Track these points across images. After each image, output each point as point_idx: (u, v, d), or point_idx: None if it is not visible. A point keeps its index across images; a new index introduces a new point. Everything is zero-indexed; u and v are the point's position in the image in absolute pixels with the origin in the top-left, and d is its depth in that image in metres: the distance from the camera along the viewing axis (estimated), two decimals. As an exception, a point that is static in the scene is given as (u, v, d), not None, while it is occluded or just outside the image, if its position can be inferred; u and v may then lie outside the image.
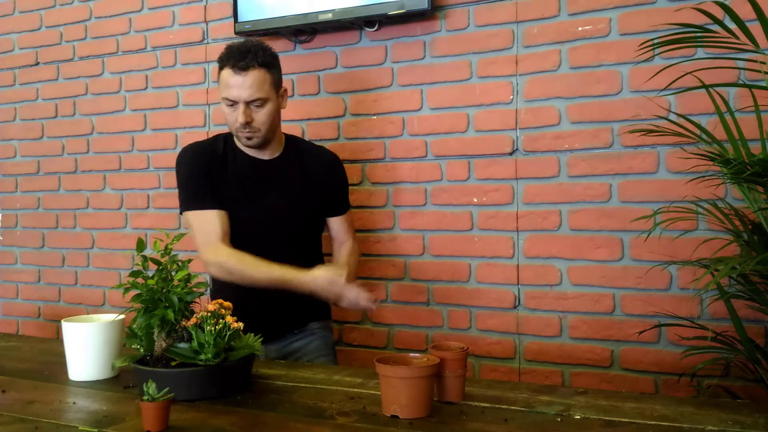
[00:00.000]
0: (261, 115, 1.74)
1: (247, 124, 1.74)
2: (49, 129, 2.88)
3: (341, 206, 1.94)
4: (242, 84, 1.71)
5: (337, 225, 1.93)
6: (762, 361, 1.55)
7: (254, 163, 1.83)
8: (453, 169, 2.13)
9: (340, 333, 2.29)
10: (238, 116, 1.73)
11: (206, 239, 1.74)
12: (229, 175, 1.81)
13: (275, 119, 1.79)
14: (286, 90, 1.83)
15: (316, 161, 1.89)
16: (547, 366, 2.02)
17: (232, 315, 1.32)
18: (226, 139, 1.87)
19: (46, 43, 2.87)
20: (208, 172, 1.80)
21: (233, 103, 1.74)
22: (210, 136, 2.52)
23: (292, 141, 1.92)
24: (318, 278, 1.68)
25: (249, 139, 1.78)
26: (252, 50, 1.72)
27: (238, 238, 1.76)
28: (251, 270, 1.69)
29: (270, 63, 1.75)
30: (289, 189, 1.83)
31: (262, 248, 1.73)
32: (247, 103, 1.73)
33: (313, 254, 1.91)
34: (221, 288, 1.77)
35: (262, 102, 1.73)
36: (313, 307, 1.87)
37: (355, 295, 1.68)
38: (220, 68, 1.75)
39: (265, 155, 1.84)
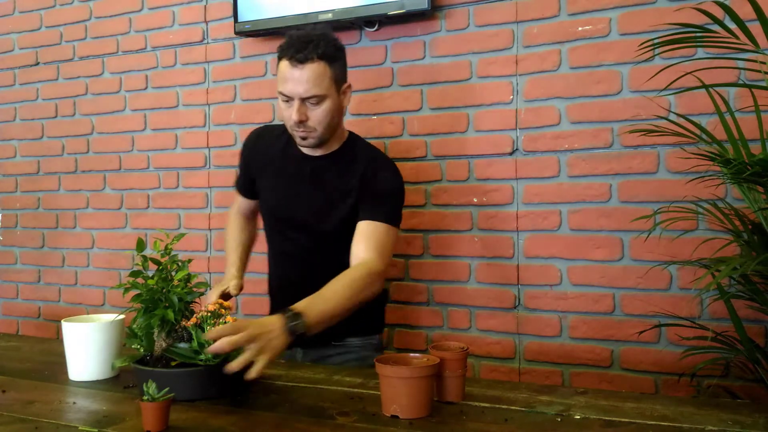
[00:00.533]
0: (317, 114, 1.59)
1: (302, 122, 1.59)
2: (49, 129, 2.88)
3: (373, 207, 1.63)
4: (299, 78, 1.55)
5: (361, 229, 1.62)
6: (762, 361, 1.55)
7: (300, 157, 1.72)
8: (453, 169, 2.13)
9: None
10: (292, 113, 1.58)
11: (231, 208, 1.97)
12: (275, 165, 1.75)
13: (334, 118, 1.62)
14: (350, 86, 1.67)
15: (363, 163, 1.68)
16: (547, 366, 2.02)
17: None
18: None
19: (46, 43, 2.87)
20: (249, 161, 1.83)
21: (288, 99, 1.58)
22: (210, 136, 2.55)
23: (352, 141, 1.75)
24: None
25: (304, 139, 1.63)
26: (314, 41, 1.55)
27: (277, 232, 1.79)
28: (226, 231, 1.89)
29: (332, 56, 1.58)
30: (330, 187, 1.69)
31: (296, 243, 1.73)
32: (303, 100, 1.57)
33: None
34: (272, 288, 1.83)
35: (319, 99, 1.57)
36: (352, 320, 1.54)
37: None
38: (279, 58, 1.59)
39: (318, 151, 1.70)
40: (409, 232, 2.19)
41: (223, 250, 1.92)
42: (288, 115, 1.60)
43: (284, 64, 1.57)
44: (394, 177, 1.70)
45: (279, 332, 1.28)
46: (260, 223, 1.91)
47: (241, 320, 1.28)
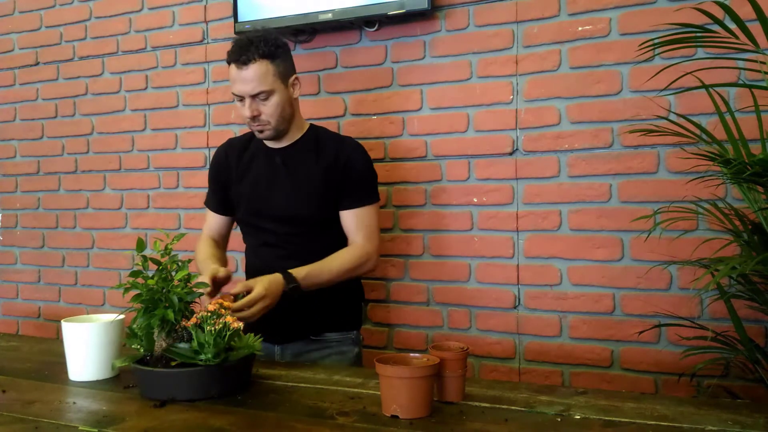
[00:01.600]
0: (268, 108, 1.72)
1: (255, 117, 1.72)
2: (49, 129, 2.88)
3: (351, 198, 1.78)
4: (245, 78, 1.69)
5: (346, 221, 1.79)
6: (762, 361, 1.55)
7: (268, 151, 1.83)
8: (453, 169, 2.13)
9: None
10: (245, 110, 1.72)
11: (200, 236, 1.95)
12: (242, 168, 1.85)
13: (284, 110, 1.74)
14: (297, 78, 1.78)
15: (332, 148, 1.80)
16: (547, 366, 2.02)
17: None
18: None
19: (46, 43, 2.87)
20: (219, 173, 1.91)
21: (241, 98, 1.72)
22: (210, 136, 2.55)
23: (313, 130, 1.85)
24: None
25: (260, 132, 1.76)
26: (254, 42, 1.69)
27: (255, 227, 1.84)
28: (196, 253, 1.86)
29: (272, 53, 1.70)
30: (298, 176, 1.79)
31: (277, 237, 1.79)
32: (253, 97, 1.70)
33: (335, 248, 1.77)
34: (249, 277, 1.81)
35: (267, 95, 1.70)
36: (328, 316, 1.81)
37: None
38: (228, 63, 1.73)
39: (280, 143, 1.82)
40: (408, 232, 2.20)
41: (227, 251, 1.95)
42: (243, 112, 1.74)
43: (232, 67, 1.72)
44: (362, 157, 1.82)
45: (278, 295, 1.59)
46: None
47: (258, 286, 1.54)
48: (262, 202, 1.81)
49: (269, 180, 1.81)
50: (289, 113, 1.77)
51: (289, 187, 1.78)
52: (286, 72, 1.74)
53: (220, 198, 1.91)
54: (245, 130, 2.46)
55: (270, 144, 1.83)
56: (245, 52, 1.68)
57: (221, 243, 1.95)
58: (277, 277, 1.62)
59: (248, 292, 1.55)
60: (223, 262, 1.87)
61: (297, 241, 1.78)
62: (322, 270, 1.70)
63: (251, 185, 1.83)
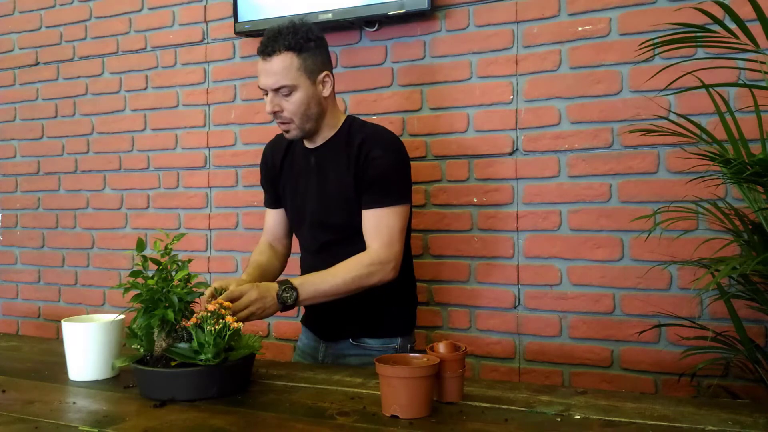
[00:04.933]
0: (290, 104, 1.60)
1: (276, 113, 1.62)
2: (49, 129, 2.88)
3: (369, 197, 1.62)
4: (267, 70, 1.59)
5: (364, 222, 1.63)
6: (762, 361, 1.55)
7: (305, 152, 1.73)
8: (453, 169, 2.13)
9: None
10: (266, 105, 1.62)
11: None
12: (285, 167, 1.78)
13: (309, 108, 1.62)
14: (328, 75, 1.64)
15: (358, 140, 1.65)
16: (547, 366, 2.02)
17: None
18: None
19: (46, 43, 2.87)
20: (267, 171, 1.84)
21: (266, 92, 1.62)
22: (210, 136, 2.55)
23: (348, 124, 1.71)
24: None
25: (286, 131, 1.66)
26: (282, 33, 1.59)
27: (298, 228, 1.79)
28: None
29: (300, 46, 1.58)
30: (329, 179, 1.68)
31: (315, 243, 1.72)
32: (275, 91, 1.60)
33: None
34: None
35: (290, 90, 1.59)
36: (367, 321, 1.70)
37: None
38: (257, 53, 1.65)
39: (314, 143, 1.71)
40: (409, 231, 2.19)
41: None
42: (266, 108, 1.64)
43: (259, 59, 1.63)
44: (386, 154, 1.64)
45: (272, 301, 1.50)
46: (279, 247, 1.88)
47: (245, 285, 1.49)
48: (299, 206, 1.74)
49: (304, 183, 1.73)
50: (315, 112, 1.64)
51: (320, 191, 1.69)
52: (315, 67, 1.62)
53: (271, 195, 1.85)
54: (246, 130, 2.46)
55: (306, 143, 1.73)
56: (272, 42, 1.58)
57: (277, 245, 1.85)
58: (273, 284, 1.53)
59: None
60: (269, 268, 1.77)
61: (334, 249, 1.67)
62: (324, 278, 1.57)
63: (291, 188, 1.76)
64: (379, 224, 1.61)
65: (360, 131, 1.67)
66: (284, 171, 1.78)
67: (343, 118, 1.71)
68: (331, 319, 1.72)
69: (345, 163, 1.65)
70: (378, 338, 1.71)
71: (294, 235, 1.86)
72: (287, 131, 1.65)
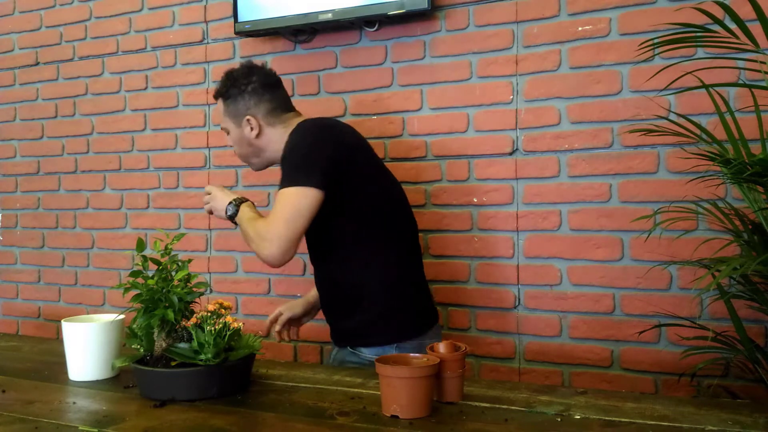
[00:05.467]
0: (230, 142, 1.84)
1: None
2: (49, 129, 2.88)
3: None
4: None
5: None
6: (762, 361, 1.55)
7: None
8: (453, 169, 2.13)
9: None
10: None
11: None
12: None
13: (241, 148, 1.81)
14: (250, 119, 1.75)
15: None
16: (547, 366, 2.02)
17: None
18: None
19: (46, 43, 2.87)
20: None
21: None
22: (210, 136, 2.55)
23: None
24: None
25: (247, 165, 1.89)
26: (223, 79, 1.79)
27: None
28: None
29: (225, 93, 1.78)
30: None
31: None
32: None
33: (343, 244, 1.67)
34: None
35: (225, 131, 1.82)
36: (358, 331, 1.70)
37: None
38: None
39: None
40: (409, 232, 2.19)
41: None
42: None
43: None
44: (290, 139, 1.64)
45: (221, 202, 1.70)
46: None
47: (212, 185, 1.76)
48: None
49: None
50: (248, 151, 1.81)
51: None
52: (238, 112, 1.77)
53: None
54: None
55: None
56: (217, 86, 1.82)
57: None
58: (231, 194, 1.71)
59: None
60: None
61: (315, 264, 1.80)
62: (251, 220, 1.62)
63: None
64: (274, 204, 1.58)
65: None
66: None
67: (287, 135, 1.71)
68: (332, 325, 1.80)
69: None
70: (372, 347, 1.65)
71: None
72: (246, 164, 1.89)
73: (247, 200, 1.70)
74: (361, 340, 1.69)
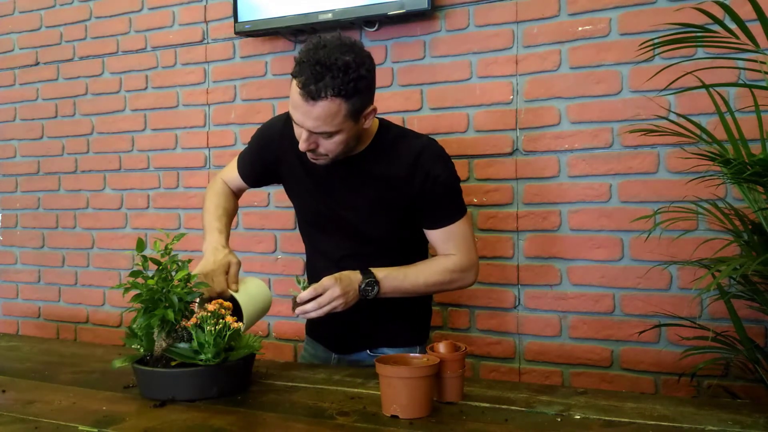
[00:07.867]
0: (329, 144, 1.42)
1: (311, 150, 1.44)
2: (49, 129, 2.88)
3: (443, 212, 1.54)
4: (308, 113, 1.36)
5: (433, 239, 1.57)
6: (762, 361, 1.55)
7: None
8: (453, 169, 2.13)
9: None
10: (300, 139, 1.42)
11: (215, 178, 1.79)
12: (293, 165, 1.60)
13: (348, 144, 1.45)
14: (374, 109, 1.44)
15: (401, 154, 1.51)
16: (547, 366, 2.02)
17: None
18: None
19: (46, 43, 2.87)
20: (263, 155, 1.66)
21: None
22: (210, 136, 2.55)
23: (384, 131, 1.55)
24: (207, 252, 1.51)
25: (315, 161, 1.49)
26: (332, 71, 1.32)
27: (317, 232, 1.65)
28: (207, 197, 1.71)
29: (350, 92, 1.34)
30: (362, 191, 1.54)
31: (341, 248, 1.59)
32: (313, 132, 1.40)
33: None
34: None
35: (329, 134, 1.40)
36: (386, 329, 1.62)
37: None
38: (292, 76, 1.38)
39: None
40: (409, 232, 2.19)
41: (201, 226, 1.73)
42: (298, 135, 1.44)
43: (295, 86, 1.36)
44: (446, 170, 1.52)
45: (354, 295, 1.45)
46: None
47: (328, 280, 1.42)
48: (324, 212, 1.60)
49: (328, 190, 1.57)
50: (353, 144, 1.49)
51: (357, 201, 1.55)
52: (362, 106, 1.40)
53: (254, 174, 1.70)
54: (246, 130, 2.46)
55: None
56: (317, 81, 1.32)
57: (237, 194, 1.76)
58: (354, 272, 1.46)
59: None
60: (234, 211, 1.72)
61: (363, 260, 1.53)
62: (406, 276, 1.51)
63: (305, 190, 1.62)
64: (455, 236, 1.55)
65: (403, 143, 1.54)
66: (291, 168, 1.62)
67: (376, 125, 1.56)
68: (348, 332, 1.64)
69: (391, 176, 1.52)
70: (398, 347, 1.62)
71: (301, 234, 1.74)
72: (316, 160, 1.49)
73: (373, 275, 1.47)
74: (387, 341, 1.64)
